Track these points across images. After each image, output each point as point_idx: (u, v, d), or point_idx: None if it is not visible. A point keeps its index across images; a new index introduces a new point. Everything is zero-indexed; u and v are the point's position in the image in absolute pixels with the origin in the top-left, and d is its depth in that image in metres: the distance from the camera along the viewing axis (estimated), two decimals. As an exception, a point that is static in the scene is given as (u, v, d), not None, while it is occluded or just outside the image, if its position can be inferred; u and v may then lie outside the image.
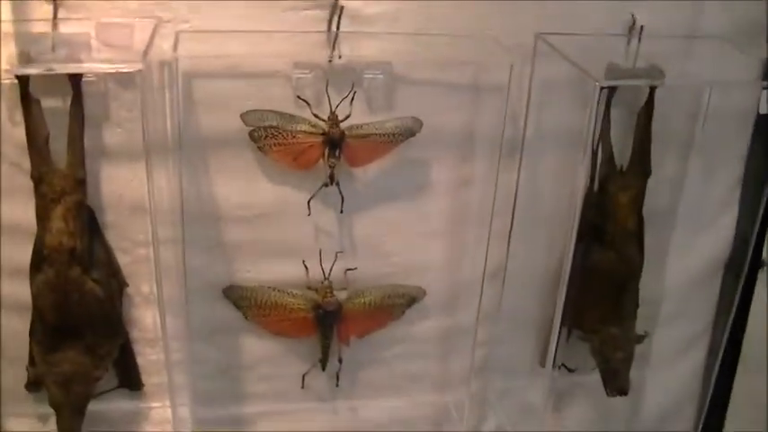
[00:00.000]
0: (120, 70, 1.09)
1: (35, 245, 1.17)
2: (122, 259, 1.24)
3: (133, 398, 1.34)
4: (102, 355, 1.21)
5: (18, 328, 1.24)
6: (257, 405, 1.37)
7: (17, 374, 1.28)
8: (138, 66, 1.07)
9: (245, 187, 1.23)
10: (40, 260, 1.17)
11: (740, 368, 1.56)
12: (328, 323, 1.28)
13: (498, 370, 1.41)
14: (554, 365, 1.35)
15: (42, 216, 1.16)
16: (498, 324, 1.37)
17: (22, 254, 1.19)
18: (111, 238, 1.23)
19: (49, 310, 1.18)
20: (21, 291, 1.21)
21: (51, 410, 1.24)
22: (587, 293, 1.33)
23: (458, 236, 1.32)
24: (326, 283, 1.27)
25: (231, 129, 1.19)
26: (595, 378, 1.40)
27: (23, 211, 1.18)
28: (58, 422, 1.19)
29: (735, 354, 1.55)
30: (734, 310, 1.48)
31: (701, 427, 1.59)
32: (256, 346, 1.34)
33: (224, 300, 1.28)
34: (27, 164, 1.16)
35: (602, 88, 1.16)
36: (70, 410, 1.19)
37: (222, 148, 1.21)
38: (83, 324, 1.19)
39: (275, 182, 1.24)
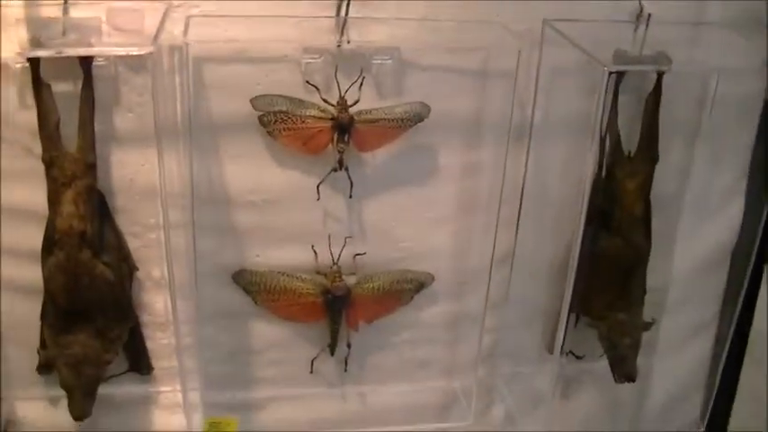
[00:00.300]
0: (131, 53, 1.10)
1: (46, 228, 1.18)
2: (132, 243, 1.25)
3: (143, 382, 1.34)
4: (113, 339, 1.22)
5: (29, 311, 1.25)
6: (266, 390, 1.38)
7: (28, 358, 1.29)
8: (149, 48, 1.08)
9: (254, 172, 1.24)
10: (51, 244, 1.18)
11: (747, 359, 1.56)
12: (337, 308, 1.29)
13: (506, 356, 1.42)
14: (562, 352, 1.35)
15: (53, 200, 1.17)
16: (506, 310, 1.38)
17: (32, 238, 1.20)
18: (122, 222, 1.24)
19: (60, 293, 1.18)
20: (31, 274, 1.22)
21: (62, 393, 1.25)
22: (595, 280, 1.33)
23: (466, 221, 1.32)
24: (335, 267, 1.27)
25: (241, 113, 1.19)
26: (602, 365, 1.40)
27: (34, 195, 1.19)
28: (69, 404, 1.20)
29: (741, 345, 1.56)
30: (740, 301, 1.48)
31: (707, 415, 1.59)
32: (265, 331, 1.34)
33: (233, 284, 1.29)
34: (38, 148, 1.17)
35: (610, 73, 1.17)
36: (81, 393, 1.19)
37: (232, 133, 1.21)
38: (93, 307, 1.20)
39: (284, 167, 1.24)
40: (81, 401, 1.20)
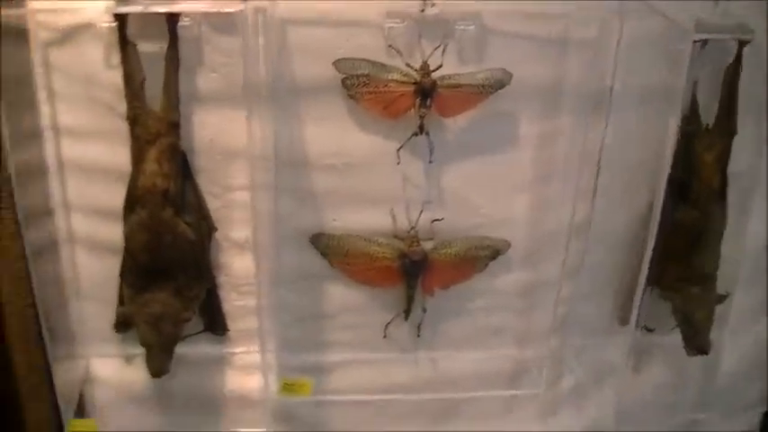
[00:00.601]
0: (221, 10, 1.10)
1: (129, 187, 1.20)
2: (212, 204, 1.26)
3: (217, 342, 1.36)
4: (191, 298, 1.23)
5: (106, 270, 1.27)
6: (339, 353, 1.39)
7: (104, 316, 1.30)
8: (240, 6, 1.08)
9: (335, 135, 1.24)
10: (133, 202, 1.19)
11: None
12: (413, 273, 1.29)
13: (577, 326, 1.41)
14: (636, 325, 1.34)
15: (137, 158, 1.18)
16: (580, 280, 1.37)
17: (112, 196, 1.22)
18: (202, 182, 1.24)
19: (141, 251, 1.20)
20: (110, 233, 1.24)
21: (137, 352, 1.28)
22: (669, 251, 1.32)
23: (543, 190, 1.31)
24: (413, 232, 1.27)
25: (323, 76, 1.19)
26: (672, 338, 1.39)
27: (116, 154, 1.21)
28: (147, 361, 1.21)
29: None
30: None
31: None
32: (341, 295, 1.35)
33: (310, 247, 1.29)
34: (121, 107, 1.18)
35: (694, 42, 1.16)
36: (160, 349, 1.21)
37: (314, 96, 1.21)
38: (173, 266, 1.21)
39: (365, 130, 1.24)
40: (159, 358, 1.21)
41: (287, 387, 1.34)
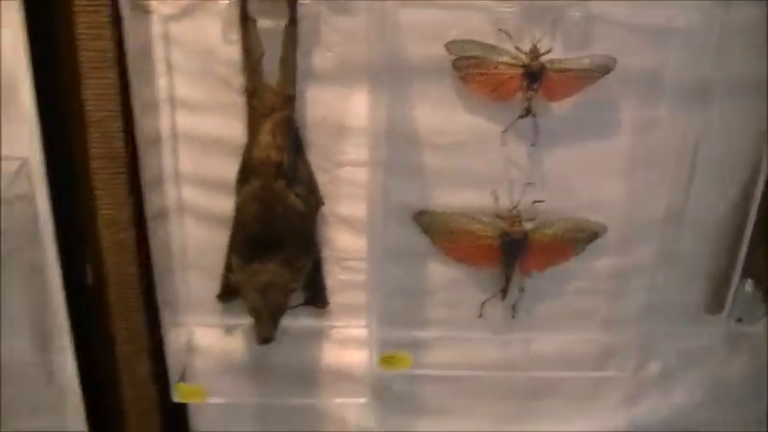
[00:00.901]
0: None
1: (243, 158, 1.23)
2: (320, 178, 1.29)
3: (317, 315, 1.39)
4: (299, 268, 1.26)
5: (214, 241, 1.31)
6: (434, 330, 1.41)
7: (208, 286, 1.34)
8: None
9: (443, 115, 1.27)
10: (248, 172, 1.23)
11: None
12: (513, 252, 1.31)
13: (666, 313, 1.42)
14: (727, 314, 1.36)
15: (252, 130, 1.22)
16: (671, 267, 1.38)
17: (224, 168, 1.26)
18: (311, 157, 1.28)
19: (253, 221, 1.23)
20: (218, 203, 1.28)
21: (238, 323, 1.32)
22: (762, 242, 1.34)
23: (639, 176, 1.33)
24: (515, 212, 1.30)
25: (434, 57, 1.22)
26: (761, 328, 1.41)
27: (229, 128, 1.25)
28: (256, 328, 1.24)
29: None
30: None
31: None
32: (439, 272, 1.37)
33: (412, 224, 1.32)
34: (236, 81, 1.22)
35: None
36: (268, 317, 1.24)
37: (424, 76, 1.24)
38: (283, 237, 1.24)
39: (472, 112, 1.27)
40: (268, 326, 1.24)
41: (387, 360, 1.37)
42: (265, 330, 1.23)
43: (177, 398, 1.35)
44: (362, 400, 1.40)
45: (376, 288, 1.33)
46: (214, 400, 1.38)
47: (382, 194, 1.27)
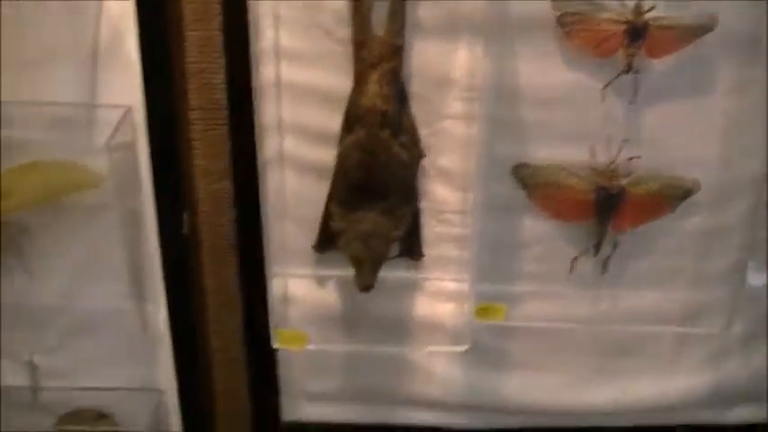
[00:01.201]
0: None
1: (349, 107, 1.26)
2: (421, 130, 1.30)
3: (412, 267, 1.40)
4: (400, 217, 1.28)
5: (312, 192, 1.33)
6: (525, 284, 1.43)
7: (304, 237, 1.36)
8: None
9: (544, 70, 1.28)
10: (353, 121, 1.25)
11: None
12: (608, 208, 1.33)
13: (754, 274, 1.44)
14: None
15: (359, 80, 1.24)
16: (761, 228, 1.40)
17: (325, 119, 1.28)
18: (414, 109, 1.29)
19: (356, 169, 1.25)
20: (319, 155, 1.31)
21: (332, 273, 1.34)
22: None
23: (734, 136, 1.35)
24: (612, 167, 1.32)
25: (538, 12, 1.24)
26: None
27: (332, 78, 1.27)
28: (357, 275, 1.25)
29: None
30: None
31: None
32: (533, 227, 1.39)
33: (509, 178, 1.34)
34: (340, 32, 1.25)
35: None
36: (370, 265, 1.26)
37: (527, 31, 1.26)
38: (385, 186, 1.26)
39: (573, 68, 1.28)
40: (369, 273, 1.26)
41: (482, 311, 1.39)
42: (366, 278, 1.25)
43: (277, 344, 1.37)
44: (460, 348, 1.40)
45: (475, 241, 1.34)
46: (313, 346, 1.39)
47: (482, 148, 1.29)
